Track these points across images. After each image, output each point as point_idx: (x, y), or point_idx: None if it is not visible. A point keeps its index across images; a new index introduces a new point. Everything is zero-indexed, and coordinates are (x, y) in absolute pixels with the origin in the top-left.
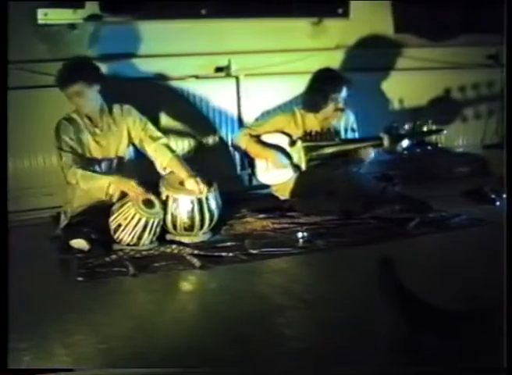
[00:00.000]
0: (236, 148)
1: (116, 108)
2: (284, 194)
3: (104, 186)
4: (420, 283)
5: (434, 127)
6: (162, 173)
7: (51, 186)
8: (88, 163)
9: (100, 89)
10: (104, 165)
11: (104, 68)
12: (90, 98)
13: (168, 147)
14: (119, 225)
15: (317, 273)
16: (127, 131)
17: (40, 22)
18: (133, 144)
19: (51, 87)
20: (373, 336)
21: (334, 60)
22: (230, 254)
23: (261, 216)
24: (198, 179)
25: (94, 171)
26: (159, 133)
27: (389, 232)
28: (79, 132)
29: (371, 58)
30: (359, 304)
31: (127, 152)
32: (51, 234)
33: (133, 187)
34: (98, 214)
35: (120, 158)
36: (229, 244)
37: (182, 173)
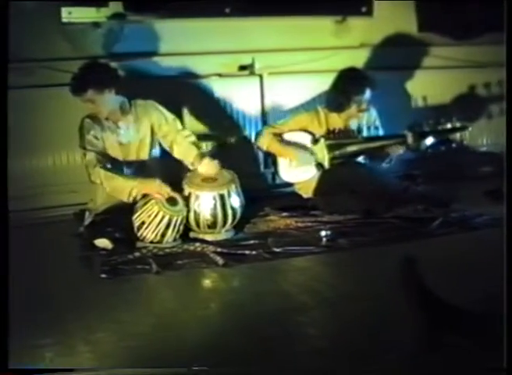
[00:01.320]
0: (260, 146)
1: (139, 104)
2: (307, 193)
3: (127, 189)
4: (442, 283)
5: (458, 124)
6: (191, 168)
7: (75, 183)
8: (111, 163)
9: (116, 90)
10: (126, 165)
11: (127, 66)
12: (105, 102)
13: (195, 144)
14: (143, 222)
15: (340, 272)
16: (151, 127)
17: (64, 20)
18: (158, 141)
19: None
20: (395, 335)
21: (358, 59)
22: (253, 252)
23: (285, 214)
24: (208, 159)
25: (118, 172)
26: (188, 131)
27: (411, 231)
28: (102, 131)
29: (394, 56)
30: (381, 303)
31: (149, 150)
32: (75, 231)
33: (157, 187)
34: (122, 212)
35: (142, 158)
36: (252, 242)
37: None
